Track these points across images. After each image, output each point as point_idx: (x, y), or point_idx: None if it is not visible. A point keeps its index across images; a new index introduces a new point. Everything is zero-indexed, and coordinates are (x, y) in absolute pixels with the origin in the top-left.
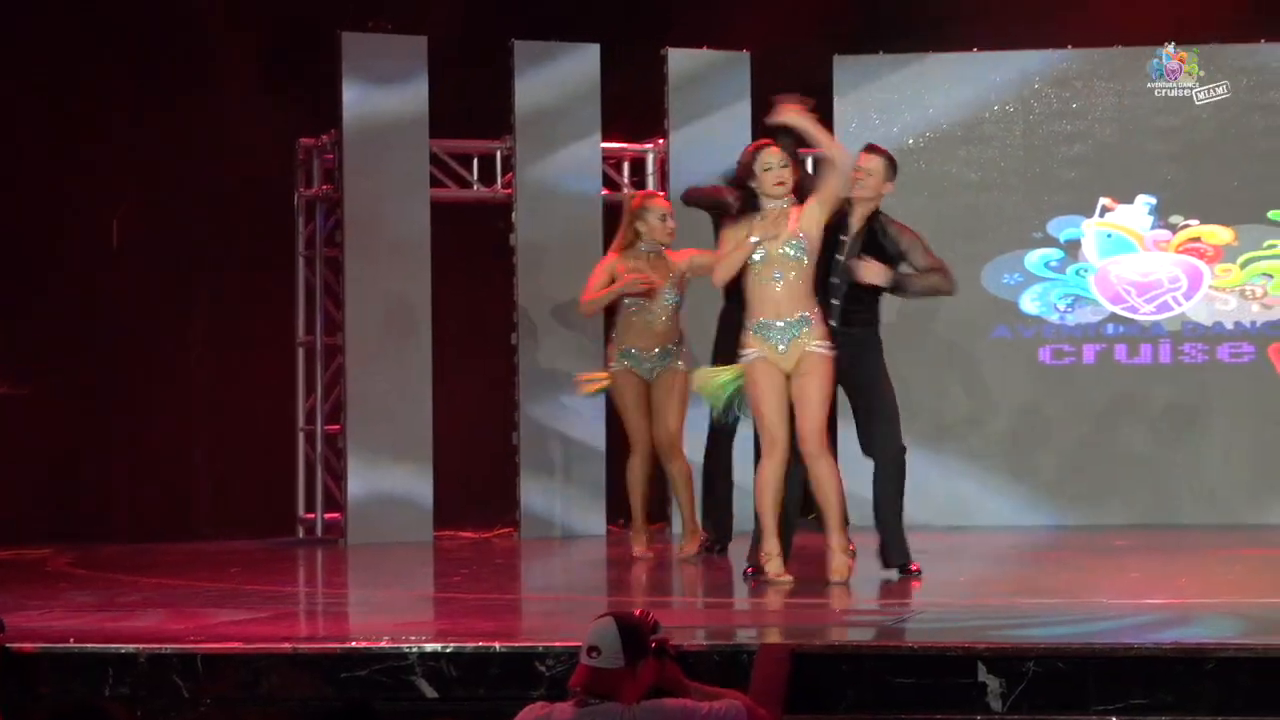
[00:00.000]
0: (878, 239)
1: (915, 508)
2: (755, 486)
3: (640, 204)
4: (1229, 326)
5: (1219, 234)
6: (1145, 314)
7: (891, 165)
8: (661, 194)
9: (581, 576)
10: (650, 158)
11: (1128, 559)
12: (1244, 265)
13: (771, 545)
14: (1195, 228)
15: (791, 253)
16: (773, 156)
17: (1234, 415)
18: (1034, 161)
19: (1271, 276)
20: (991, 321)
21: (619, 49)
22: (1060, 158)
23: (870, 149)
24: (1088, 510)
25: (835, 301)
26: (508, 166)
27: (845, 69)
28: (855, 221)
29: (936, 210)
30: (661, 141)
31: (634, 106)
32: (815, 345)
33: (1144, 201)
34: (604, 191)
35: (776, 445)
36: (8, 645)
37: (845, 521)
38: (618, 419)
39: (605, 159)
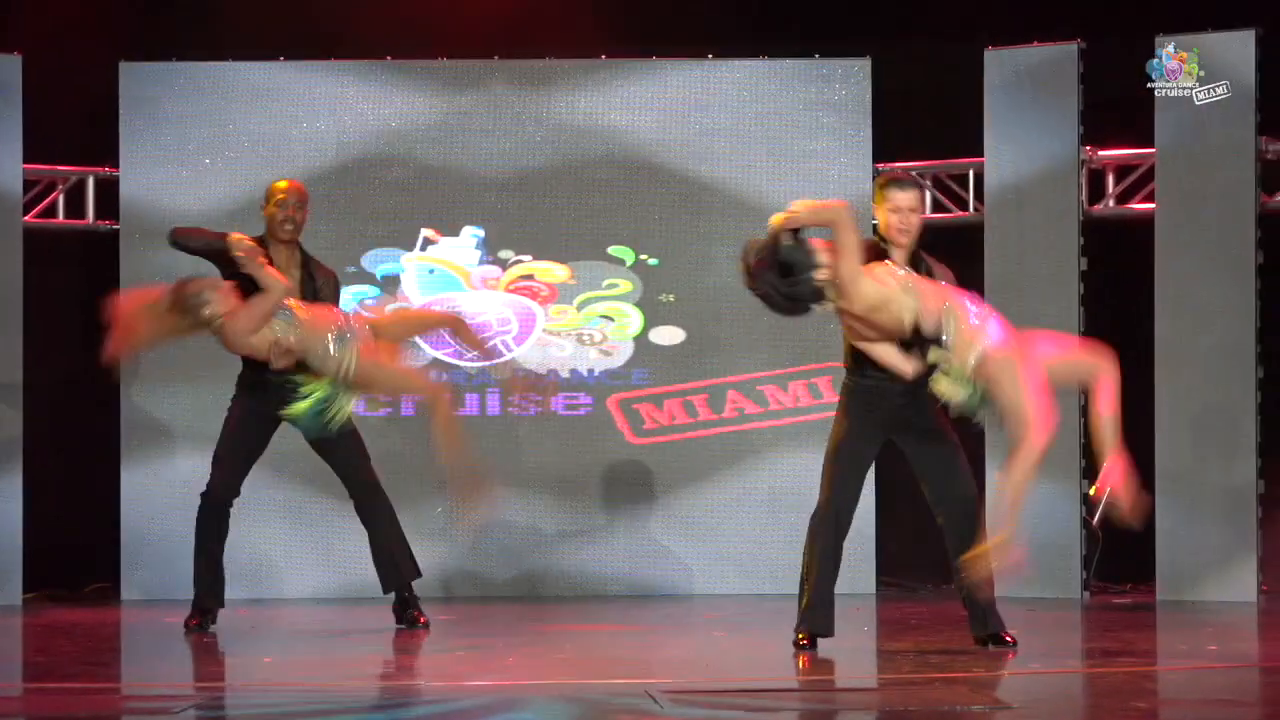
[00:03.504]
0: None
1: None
2: None
3: None
4: (565, 375)
5: (554, 271)
6: (471, 360)
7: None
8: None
9: None
10: None
11: (452, 637)
12: (581, 306)
13: None
14: (528, 264)
15: None
16: None
17: (581, 474)
18: (346, 186)
19: (612, 319)
20: None
21: None
22: (377, 182)
23: (897, 181)
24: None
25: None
26: None
27: (133, 76)
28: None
29: None
30: None
31: None
32: None
33: (471, 234)
34: None
35: None
36: None
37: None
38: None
39: None
